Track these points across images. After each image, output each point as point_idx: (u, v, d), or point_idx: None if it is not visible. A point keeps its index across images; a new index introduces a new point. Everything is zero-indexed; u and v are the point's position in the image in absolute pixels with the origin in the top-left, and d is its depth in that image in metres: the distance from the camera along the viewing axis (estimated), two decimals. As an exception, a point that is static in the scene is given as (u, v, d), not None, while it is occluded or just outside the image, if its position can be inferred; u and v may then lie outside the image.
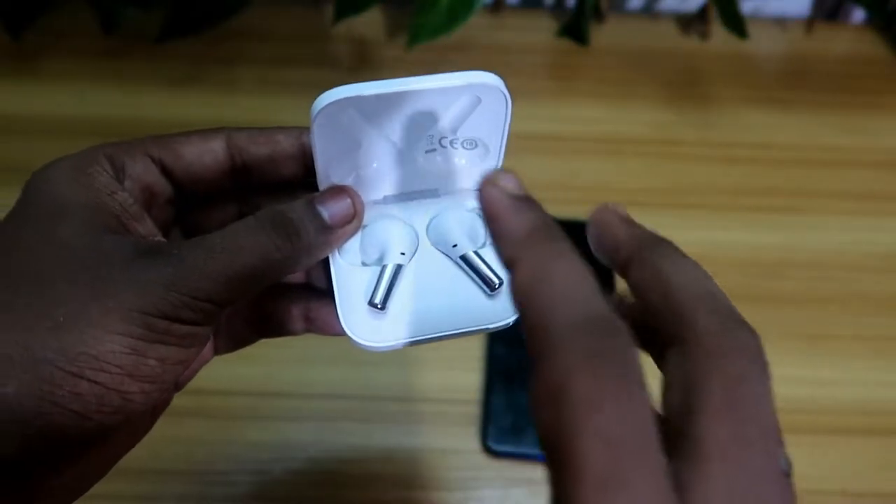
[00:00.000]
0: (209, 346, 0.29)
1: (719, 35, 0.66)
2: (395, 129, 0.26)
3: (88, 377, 0.22)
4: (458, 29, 0.59)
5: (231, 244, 0.24)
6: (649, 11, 0.70)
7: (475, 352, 0.49)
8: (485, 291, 0.28)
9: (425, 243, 0.29)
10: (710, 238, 0.55)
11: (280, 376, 0.48)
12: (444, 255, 0.28)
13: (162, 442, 0.46)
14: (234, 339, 0.30)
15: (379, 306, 0.27)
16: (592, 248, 0.23)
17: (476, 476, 0.45)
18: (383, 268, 0.27)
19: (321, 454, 0.46)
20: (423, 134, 0.27)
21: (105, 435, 0.23)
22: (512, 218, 0.22)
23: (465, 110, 0.26)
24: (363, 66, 0.63)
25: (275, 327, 0.30)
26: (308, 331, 0.30)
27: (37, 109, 0.60)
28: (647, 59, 0.66)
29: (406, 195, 0.29)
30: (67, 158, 0.25)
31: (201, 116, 0.58)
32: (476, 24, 0.63)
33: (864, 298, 0.53)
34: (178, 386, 0.29)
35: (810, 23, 0.68)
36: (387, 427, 0.47)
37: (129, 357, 0.22)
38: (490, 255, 0.28)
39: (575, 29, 0.65)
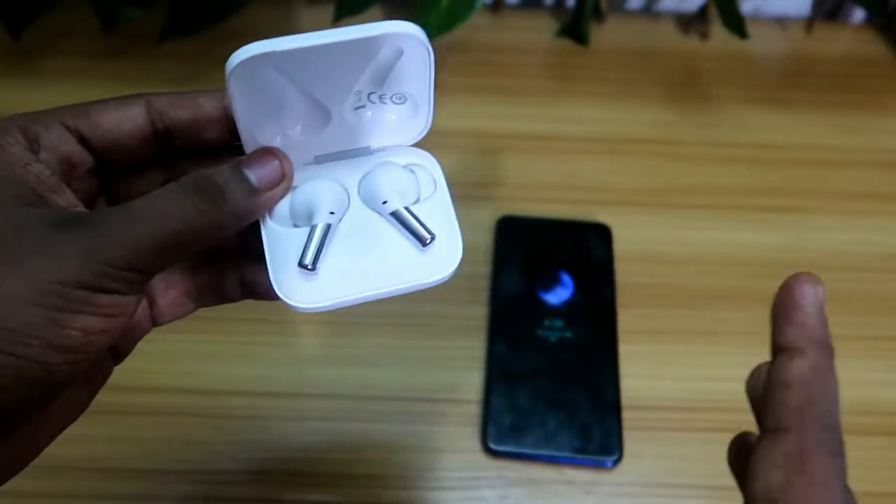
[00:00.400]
0: (146, 316, 0.29)
1: (719, 35, 0.66)
2: (318, 86, 0.26)
3: (5, 350, 0.21)
4: (458, 29, 0.59)
5: (153, 210, 0.23)
6: (649, 11, 0.70)
7: (475, 352, 0.49)
8: (417, 247, 0.27)
9: (356, 202, 0.28)
10: (711, 238, 0.55)
11: (279, 376, 0.48)
12: (376, 214, 0.28)
13: (162, 442, 0.46)
14: (172, 309, 0.29)
15: (309, 267, 0.26)
16: (774, 309, 0.26)
17: (476, 476, 0.45)
18: (312, 228, 0.27)
19: (321, 454, 0.46)
20: (350, 90, 0.26)
21: (31, 410, 0.23)
22: (816, 318, 0.25)
23: (387, 63, 0.26)
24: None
25: (211, 295, 0.29)
26: (246, 297, 0.29)
27: (37, 109, 0.60)
28: (647, 59, 0.66)
29: (337, 154, 0.28)
30: None
31: (201, 116, 0.58)
32: (476, 24, 0.63)
33: (864, 298, 0.53)
34: (117, 357, 0.28)
35: (810, 23, 0.68)
36: (387, 427, 0.47)
37: (50, 329, 0.21)
38: (422, 210, 0.28)
39: (575, 29, 0.65)
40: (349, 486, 0.45)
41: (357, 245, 0.27)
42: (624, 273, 0.53)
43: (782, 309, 0.25)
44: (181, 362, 0.49)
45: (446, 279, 0.27)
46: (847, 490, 0.22)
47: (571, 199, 0.57)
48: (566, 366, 0.49)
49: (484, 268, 0.53)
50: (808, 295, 0.25)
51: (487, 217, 0.55)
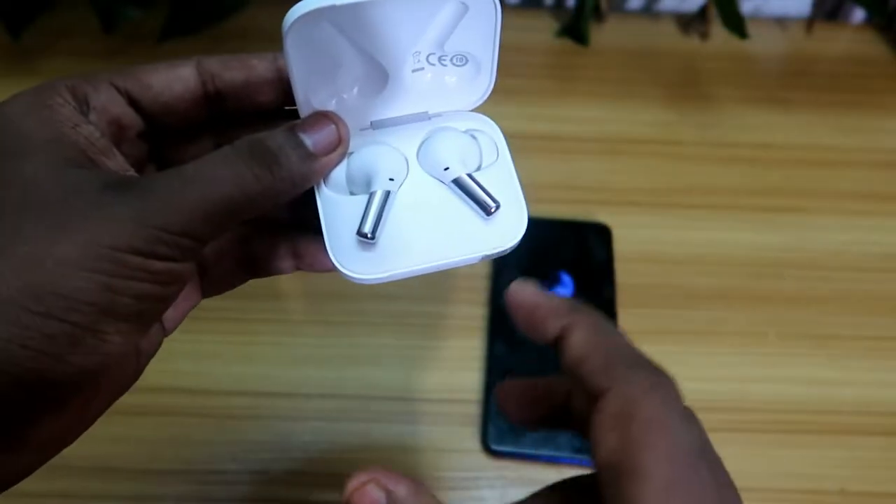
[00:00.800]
0: (196, 289, 0.28)
1: (719, 35, 0.66)
2: (376, 45, 0.25)
3: (58, 316, 0.20)
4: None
5: (206, 174, 0.22)
6: (649, 11, 0.70)
7: (475, 352, 0.49)
8: (481, 216, 0.26)
9: (416, 169, 0.27)
10: (711, 238, 0.55)
11: (280, 376, 0.48)
12: (436, 181, 0.27)
13: (162, 442, 0.46)
14: (222, 280, 0.29)
15: (369, 236, 0.25)
16: (522, 326, 0.24)
17: (476, 476, 0.45)
18: (371, 195, 0.26)
19: (321, 454, 0.46)
20: (409, 51, 0.25)
21: (85, 380, 0.22)
22: (545, 300, 0.24)
23: (451, 21, 0.25)
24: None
25: (263, 266, 0.29)
26: (298, 268, 0.29)
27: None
28: (647, 59, 0.66)
29: (394, 119, 0.27)
30: (26, 93, 0.24)
31: (201, 116, 0.58)
32: (476, 24, 0.63)
33: (864, 298, 0.53)
34: (166, 330, 0.27)
35: (810, 23, 0.68)
36: (387, 427, 0.47)
37: (103, 295, 0.21)
38: (485, 177, 0.27)
39: (575, 29, 0.65)
40: (349, 486, 0.45)
41: (417, 215, 0.26)
42: (624, 273, 0.53)
43: (525, 317, 0.24)
44: (181, 362, 0.49)
45: (511, 248, 0.26)
46: (684, 409, 0.22)
47: (571, 199, 0.57)
48: (566, 366, 0.49)
49: (484, 268, 0.53)
50: (530, 292, 0.24)
51: (487, 217, 0.55)
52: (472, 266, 0.53)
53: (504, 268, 0.53)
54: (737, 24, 0.62)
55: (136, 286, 0.21)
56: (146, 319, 0.23)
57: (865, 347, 0.51)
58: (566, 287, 0.52)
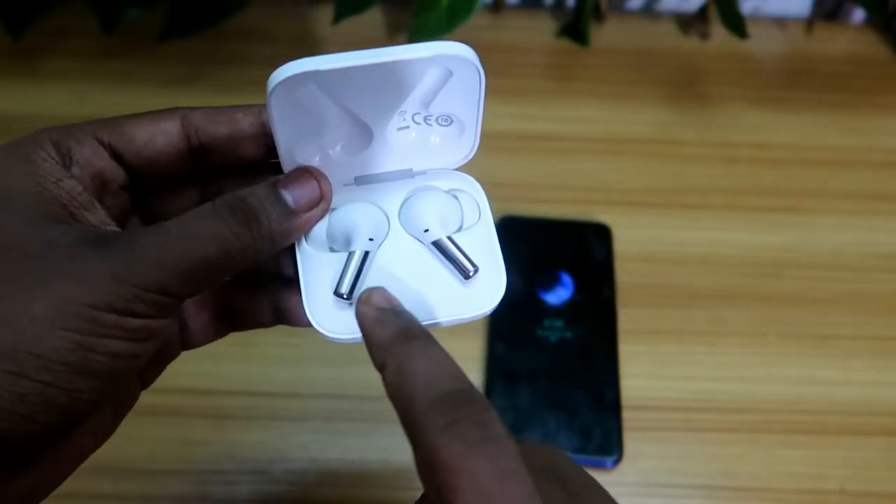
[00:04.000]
0: (176, 341, 0.28)
1: (719, 35, 0.66)
2: (361, 105, 0.25)
3: (30, 376, 0.20)
4: (458, 29, 0.59)
5: (186, 232, 0.22)
6: (649, 11, 0.70)
7: (475, 352, 0.49)
8: (459, 279, 0.26)
9: (397, 228, 0.27)
10: (711, 238, 0.55)
11: (280, 376, 0.48)
12: (416, 241, 0.27)
13: (162, 442, 0.46)
14: (203, 333, 0.29)
15: (345, 296, 0.25)
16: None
17: (476, 476, 0.45)
18: (350, 255, 0.26)
19: (321, 454, 0.46)
20: (394, 110, 0.25)
21: (54, 438, 0.22)
22: (377, 329, 0.23)
23: (435, 84, 0.25)
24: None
25: (244, 320, 0.28)
26: (279, 322, 0.28)
27: (37, 109, 0.60)
28: (647, 59, 0.66)
29: (378, 176, 0.27)
30: (8, 146, 0.23)
31: (201, 116, 0.58)
32: (476, 24, 0.63)
33: (864, 298, 0.53)
34: (144, 383, 0.27)
35: (810, 23, 0.68)
36: (387, 427, 0.47)
37: (76, 353, 0.21)
38: (465, 240, 0.27)
39: (575, 29, 0.65)
40: (349, 486, 0.45)
41: (395, 275, 0.26)
42: (624, 273, 0.53)
43: (364, 336, 0.24)
44: (181, 362, 0.48)
45: (488, 313, 0.26)
46: (493, 433, 0.20)
47: (571, 199, 0.57)
48: (566, 366, 0.49)
49: (484, 268, 0.53)
50: (363, 314, 0.24)
51: (487, 217, 0.55)
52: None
53: (504, 268, 0.52)
54: (737, 24, 0.62)
55: (112, 344, 0.21)
56: (120, 377, 0.22)
57: (865, 347, 0.51)
58: (566, 287, 0.52)
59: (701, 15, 0.67)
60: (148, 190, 0.27)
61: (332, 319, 0.26)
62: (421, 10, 0.59)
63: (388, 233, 0.27)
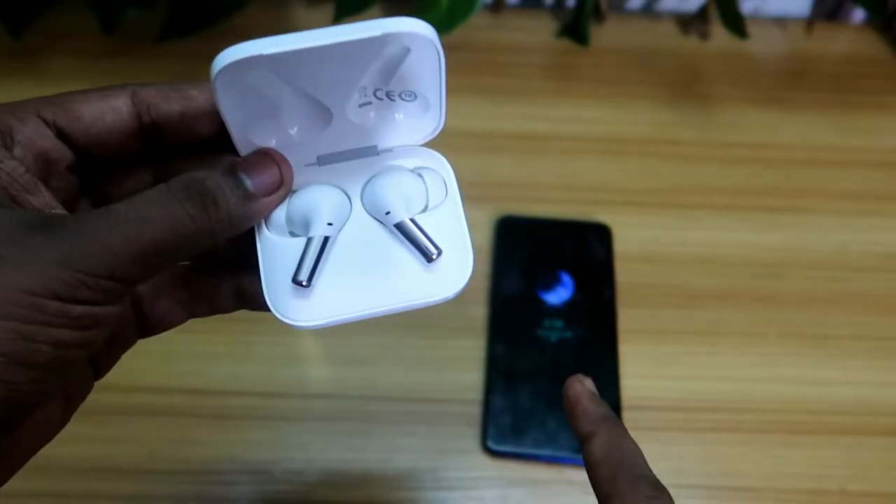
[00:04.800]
0: (132, 330, 0.27)
1: (719, 35, 0.66)
2: (316, 85, 0.23)
3: None
4: (458, 29, 0.59)
5: (137, 214, 0.21)
6: (649, 11, 0.70)
7: (475, 352, 0.49)
8: (422, 263, 0.25)
9: (359, 210, 0.26)
10: (710, 238, 0.55)
11: (280, 376, 0.48)
12: (379, 224, 0.26)
13: (162, 442, 0.46)
14: (161, 320, 0.27)
15: (304, 283, 0.24)
16: (566, 412, 0.28)
17: (476, 476, 0.45)
18: (308, 241, 0.25)
19: (321, 454, 0.46)
20: (352, 88, 0.24)
21: None
22: (591, 403, 0.27)
23: (393, 61, 0.24)
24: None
25: (204, 305, 0.27)
26: (240, 307, 0.27)
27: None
28: (647, 59, 0.66)
29: (341, 155, 0.26)
30: None
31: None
32: (476, 24, 0.63)
33: (864, 298, 0.53)
34: (98, 373, 0.26)
35: (810, 23, 0.68)
36: (387, 427, 0.47)
37: (15, 343, 0.19)
38: (430, 220, 0.26)
39: (575, 29, 0.65)
40: (349, 486, 0.45)
41: (357, 259, 0.25)
42: (624, 273, 0.53)
43: (569, 409, 0.28)
44: (181, 362, 0.49)
45: (453, 297, 0.26)
46: None
47: (571, 199, 0.57)
48: (566, 366, 0.49)
49: (484, 268, 0.53)
50: (579, 391, 0.28)
51: (487, 217, 0.55)
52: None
53: (504, 268, 0.53)
54: (737, 24, 0.62)
55: (54, 332, 0.20)
56: (65, 367, 0.21)
57: (865, 347, 0.51)
58: (566, 287, 0.52)
59: (701, 15, 0.67)
60: (97, 171, 0.26)
61: (293, 306, 0.25)
62: (421, 10, 0.59)
63: (350, 215, 0.26)
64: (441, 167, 0.27)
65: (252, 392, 0.48)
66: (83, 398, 0.26)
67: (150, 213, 0.21)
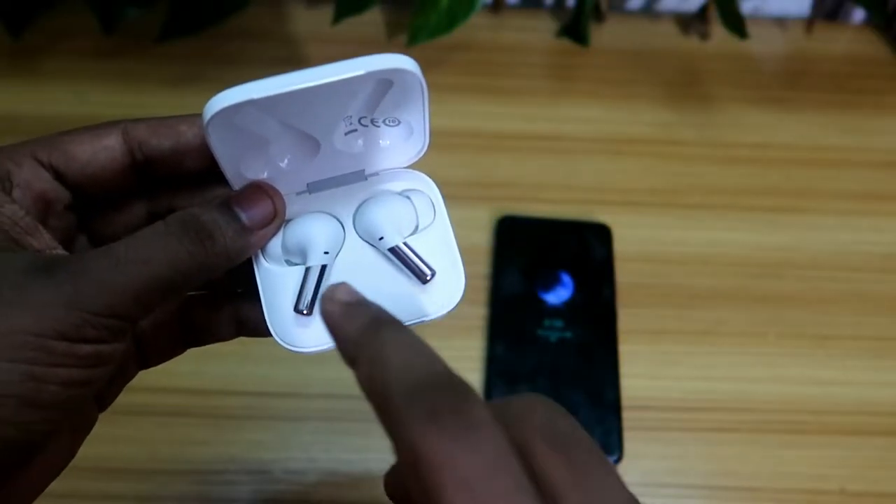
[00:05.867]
0: (133, 362, 0.28)
1: (719, 35, 0.66)
2: (303, 120, 0.25)
3: None
4: (458, 29, 0.59)
5: (138, 253, 0.22)
6: (649, 11, 0.70)
7: (475, 352, 0.49)
8: (417, 284, 0.27)
9: (352, 236, 0.27)
10: (711, 238, 0.55)
11: (280, 376, 0.48)
12: (373, 248, 0.27)
13: (162, 442, 0.46)
14: (162, 351, 0.28)
15: (305, 312, 0.25)
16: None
17: (476, 476, 0.45)
18: (307, 270, 0.26)
19: (321, 454, 0.46)
20: (338, 119, 0.25)
21: (9, 473, 0.21)
22: (345, 324, 0.21)
23: (376, 94, 0.25)
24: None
25: (204, 334, 0.28)
26: (239, 335, 0.28)
27: (37, 109, 0.60)
28: (647, 59, 0.66)
29: (330, 181, 0.27)
30: None
31: (201, 116, 0.58)
32: (476, 24, 0.63)
33: (864, 298, 0.53)
34: (101, 406, 0.27)
35: (810, 23, 0.68)
36: (387, 427, 0.47)
37: (26, 385, 0.20)
38: (421, 242, 0.27)
39: (575, 29, 0.65)
40: (349, 486, 0.45)
41: (354, 282, 0.25)
42: (624, 273, 0.53)
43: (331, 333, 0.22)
44: (181, 362, 0.48)
45: (447, 314, 0.27)
46: (478, 414, 0.18)
47: (571, 199, 0.57)
48: (566, 366, 0.49)
49: (484, 268, 0.53)
50: (330, 311, 0.22)
51: (487, 217, 0.55)
52: (471, 266, 0.53)
53: (504, 268, 0.53)
54: (737, 24, 0.62)
55: (63, 373, 0.21)
56: (74, 404, 0.22)
57: (865, 347, 0.51)
58: (566, 287, 0.52)
59: (701, 15, 0.67)
60: (94, 208, 0.26)
61: (295, 332, 0.26)
62: (421, 10, 0.59)
63: (343, 241, 0.27)
64: (428, 188, 0.28)
65: (252, 392, 0.48)
66: (89, 431, 0.26)
67: (150, 252, 0.22)
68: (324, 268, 0.26)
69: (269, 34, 0.64)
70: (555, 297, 0.51)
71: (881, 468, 0.47)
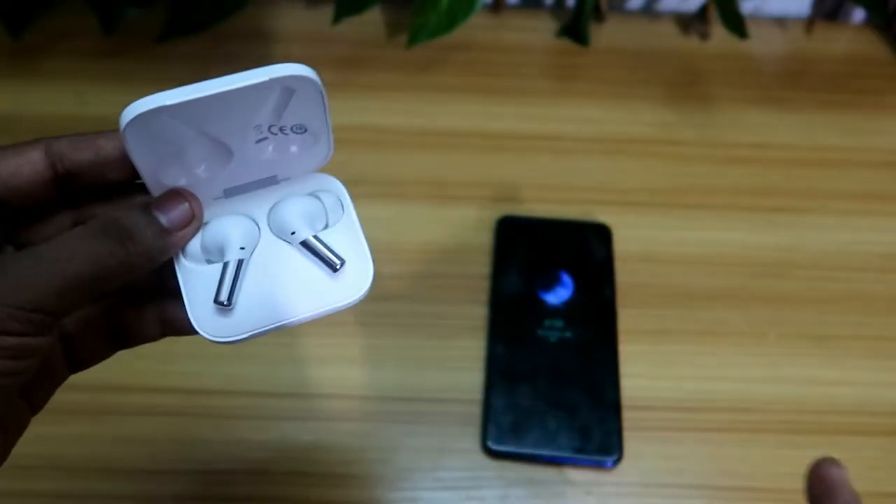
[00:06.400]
0: (62, 365, 0.28)
1: (719, 35, 0.66)
2: (215, 128, 0.26)
3: None
4: (458, 29, 0.59)
5: (60, 252, 0.23)
6: (649, 11, 0.70)
7: (475, 352, 0.49)
8: (329, 273, 0.28)
9: (267, 233, 0.29)
10: (710, 238, 0.55)
11: (280, 376, 0.48)
12: (286, 244, 0.29)
13: (162, 442, 0.46)
14: (90, 353, 0.29)
15: (225, 303, 0.27)
16: (809, 494, 0.26)
17: (476, 476, 0.45)
18: (225, 265, 0.28)
19: (321, 454, 0.46)
20: (248, 127, 0.27)
21: None
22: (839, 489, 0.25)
23: (281, 101, 0.26)
24: (363, 66, 0.63)
25: (130, 335, 0.29)
26: (165, 335, 0.29)
27: (37, 109, 0.60)
28: (647, 59, 0.66)
29: (245, 186, 0.29)
30: None
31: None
32: (476, 24, 0.63)
33: (864, 298, 0.53)
34: (33, 407, 0.28)
35: (810, 23, 0.68)
36: (387, 427, 0.47)
37: None
38: (331, 236, 0.29)
39: (575, 29, 0.65)
40: (349, 486, 0.45)
41: (270, 276, 0.28)
42: (624, 273, 0.53)
43: (819, 493, 0.26)
44: (181, 362, 0.49)
45: (358, 300, 0.28)
46: None
47: (571, 199, 0.57)
48: (566, 366, 0.49)
49: (484, 268, 0.53)
50: (836, 477, 0.26)
51: (487, 217, 0.55)
52: (472, 266, 0.53)
53: (504, 268, 0.53)
54: (737, 24, 0.62)
55: None
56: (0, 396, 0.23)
57: (865, 347, 0.51)
58: (566, 287, 0.52)
59: (701, 15, 0.67)
60: (19, 219, 0.27)
61: (216, 324, 0.27)
62: (421, 10, 0.59)
63: (259, 238, 0.29)
64: (336, 188, 0.30)
65: (252, 392, 0.48)
66: (21, 433, 0.27)
67: (72, 251, 0.23)
68: (241, 262, 0.28)
69: (270, 34, 0.64)
70: (555, 297, 0.51)
71: (881, 468, 0.47)
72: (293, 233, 0.29)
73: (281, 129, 0.28)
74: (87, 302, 0.24)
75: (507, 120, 0.60)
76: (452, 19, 0.59)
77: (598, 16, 0.67)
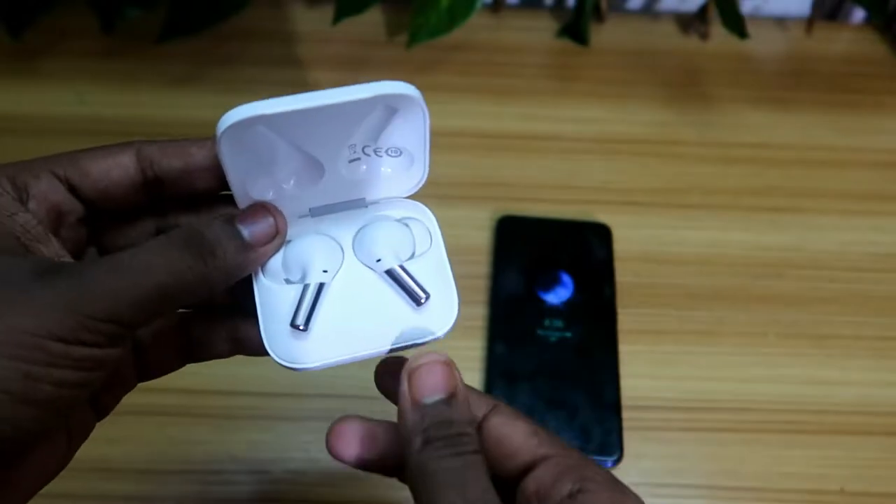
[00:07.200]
0: (131, 373, 0.28)
1: (719, 35, 0.66)
2: (310, 142, 0.26)
3: None
4: (458, 29, 0.59)
5: (139, 263, 0.23)
6: (649, 11, 0.70)
7: (475, 352, 0.49)
8: (412, 307, 0.27)
9: (351, 258, 0.28)
10: (710, 238, 0.55)
11: (280, 376, 0.48)
12: (370, 270, 0.28)
13: (162, 442, 0.46)
14: (160, 365, 0.29)
15: (301, 328, 0.26)
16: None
17: (476, 476, 0.45)
18: (305, 287, 0.27)
19: (321, 454, 0.46)
20: (343, 145, 0.26)
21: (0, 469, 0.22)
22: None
23: (381, 120, 0.26)
24: (363, 66, 0.63)
25: (201, 351, 0.29)
26: (235, 353, 0.29)
27: (37, 109, 0.60)
28: (647, 59, 0.66)
29: (332, 207, 0.28)
30: None
31: (201, 116, 0.58)
32: (476, 24, 0.63)
33: (864, 298, 0.53)
34: (99, 413, 0.28)
35: (810, 23, 0.68)
36: (387, 427, 0.47)
37: (20, 382, 0.21)
38: (417, 266, 0.27)
39: (575, 29, 0.65)
40: (349, 486, 0.45)
41: (350, 304, 0.27)
42: (624, 273, 0.53)
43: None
44: (181, 362, 0.49)
45: (440, 338, 0.27)
46: None
47: (571, 199, 0.57)
48: (566, 366, 0.49)
49: (484, 268, 0.53)
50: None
51: (487, 217, 0.55)
52: (472, 266, 0.53)
53: (504, 268, 0.53)
54: (737, 24, 0.62)
55: (56, 373, 0.21)
56: (66, 406, 0.22)
57: (865, 347, 0.51)
58: (566, 287, 0.52)
59: (701, 15, 0.67)
60: (104, 222, 0.27)
61: (290, 349, 0.26)
62: (421, 10, 0.59)
63: (342, 262, 0.28)
64: (425, 217, 0.29)
65: (252, 392, 0.48)
66: (85, 437, 0.27)
67: (152, 262, 0.23)
68: (321, 286, 0.27)
69: (269, 34, 0.64)
70: (555, 297, 0.51)
71: (881, 468, 0.47)
72: (378, 260, 0.27)
73: (375, 151, 0.27)
74: (162, 315, 0.24)
75: (506, 120, 0.60)
76: (452, 19, 0.59)
77: (598, 16, 0.67)
